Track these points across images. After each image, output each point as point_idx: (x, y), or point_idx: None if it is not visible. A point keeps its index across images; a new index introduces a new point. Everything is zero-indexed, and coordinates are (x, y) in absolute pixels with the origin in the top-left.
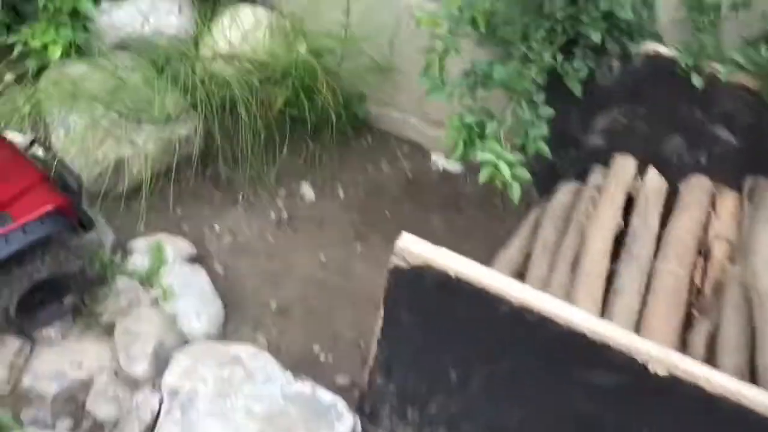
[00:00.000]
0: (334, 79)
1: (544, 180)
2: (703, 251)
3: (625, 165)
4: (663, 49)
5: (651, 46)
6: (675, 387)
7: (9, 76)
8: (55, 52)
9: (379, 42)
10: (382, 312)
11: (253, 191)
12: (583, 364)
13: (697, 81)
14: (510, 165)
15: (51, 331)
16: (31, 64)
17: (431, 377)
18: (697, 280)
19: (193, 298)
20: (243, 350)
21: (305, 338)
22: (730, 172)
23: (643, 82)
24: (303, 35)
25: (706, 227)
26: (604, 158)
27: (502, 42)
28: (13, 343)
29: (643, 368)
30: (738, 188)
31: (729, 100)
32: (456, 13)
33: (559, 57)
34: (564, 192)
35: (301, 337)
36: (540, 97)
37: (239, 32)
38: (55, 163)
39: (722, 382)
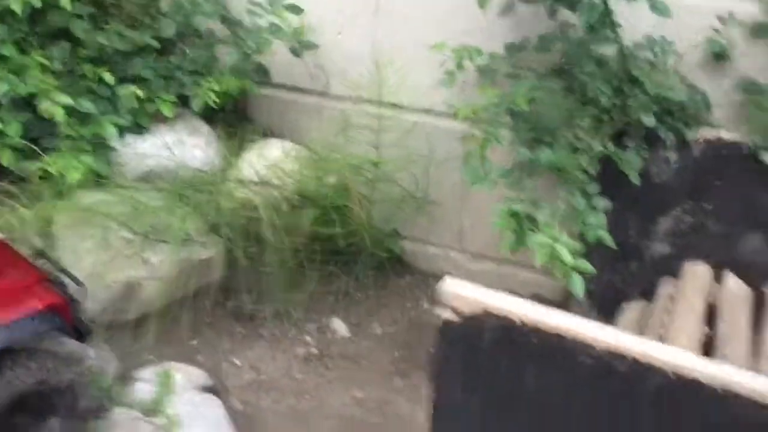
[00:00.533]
0: (366, 209)
1: (604, 302)
2: None
3: (697, 272)
4: (724, 133)
5: (709, 131)
6: None
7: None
8: (74, 176)
9: (412, 173)
10: (431, 391)
11: (279, 325)
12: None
13: (767, 157)
14: (569, 250)
15: None
16: (48, 191)
17: None
18: None
19: (204, 430)
20: None
21: None
22: None
23: (706, 173)
24: (332, 166)
25: None
26: (672, 270)
27: (546, 132)
28: None
29: None
30: None
31: None
32: (495, 101)
33: (610, 146)
34: (630, 311)
35: None
36: (593, 188)
37: (266, 164)
38: (56, 265)
39: None
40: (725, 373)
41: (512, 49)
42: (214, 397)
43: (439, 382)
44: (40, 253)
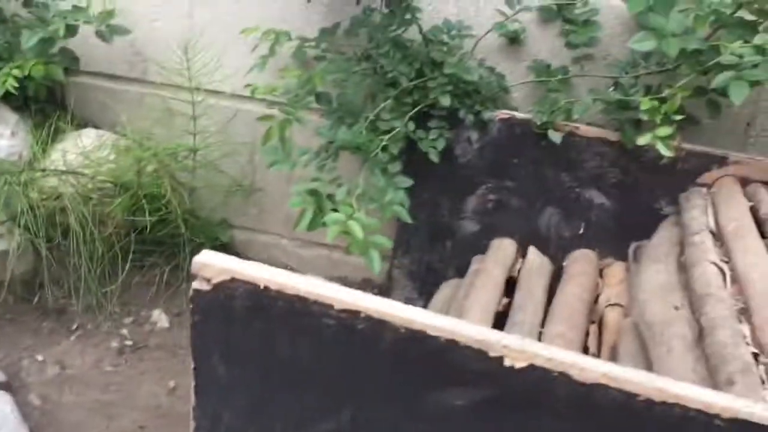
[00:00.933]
0: (182, 198)
1: (425, 282)
2: (597, 319)
3: (501, 247)
4: (517, 114)
5: (505, 112)
6: (540, 381)
7: None
8: None
9: (237, 160)
10: (192, 365)
11: (91, 319)
12: (434, 380)
13: (554, 136)
14: (363, 226)
15: None
16: None
17: None
18: (593, 347)
19: None
20: None
21: None
22: (612, 240)
23: (505, 152)
24: (152, 154)
25: (596, 297)
26: (482, 247)
27: (349, 113)
28: None
29: (499, 364)
30: (623, 256)
31: (593, 159)
32: (295, 82)
33: (411, 125)
34: (445, 288)
35: None
36: (395, 167)
37: (79, 153)
38: None
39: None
40: (447, 324)
41: (324, 33)
42: (5, 394)
43: (199, 354)
44: None
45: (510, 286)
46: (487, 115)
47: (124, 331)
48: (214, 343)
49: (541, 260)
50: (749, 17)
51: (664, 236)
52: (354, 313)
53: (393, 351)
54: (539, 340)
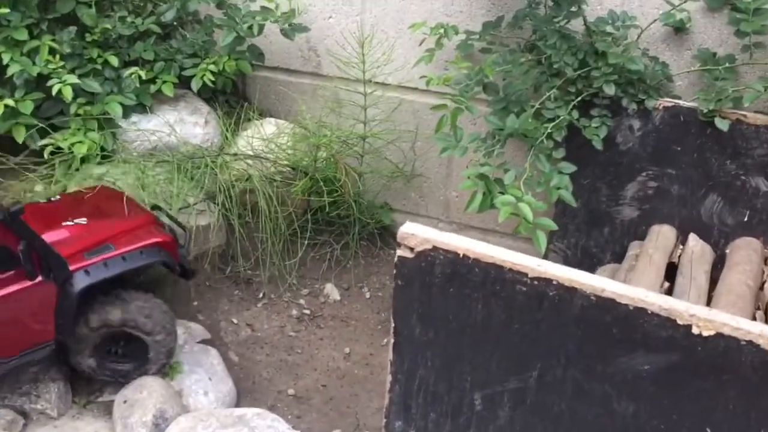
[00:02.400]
0: (355, 182)
1: (581, 267)
2: (764, 306)
3: (661, 233)
4: (681, 102)
5: (668, 100)
6: (727, 350)
7: (39, 187)
8: (81, 150)
9: (400, 148)
10: (392, 326)
11: (274, 289)
12: (621, 346)
13: (721, 124)
14: (532, 208)
15: (47, 407)
16: (59, 165)
17: (454, 411)
18: None
19: (202, 375)
20: (249, 411)
21: (325, 424)
22: None
23: (667, 140)
24: (326, 141)
25: (761, 284)
26: (640, 233)
27: (515, 102)
28: (6, 415)
29: (687, 331)
30: None
31: (761, 147)
32: (465, 72)
33: (575, 114)
34: (602, 272)
35: (321, 423)
36: (559, 153)
37: (262, 140)
38: (165, 212)
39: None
40: (636, 293)
41: (488, 26)
42: (213, 349)
43: (399, 315)
44: (153, 207)
45: (670, 271)
46: (650, 103)
47: (302, 302)
48: (414, 306)
49: (702, 247)
50: None
51: None
52: (546, 281)
53: (582, 317)
54: None
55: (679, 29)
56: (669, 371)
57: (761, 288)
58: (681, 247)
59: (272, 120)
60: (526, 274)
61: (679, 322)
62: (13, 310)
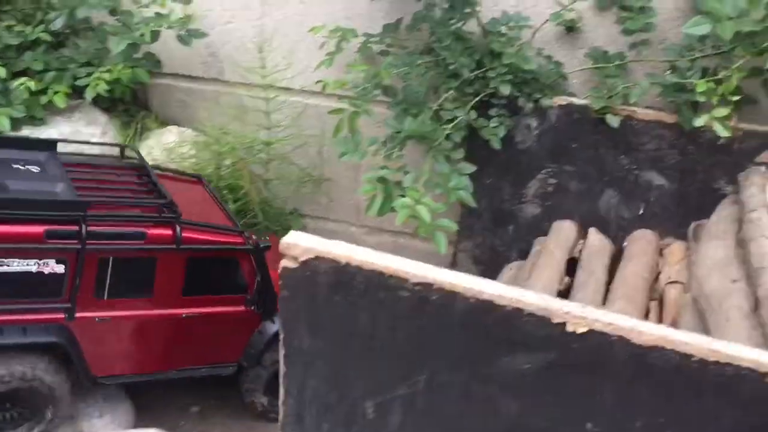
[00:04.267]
0: (259, 189)
1: (489, 265)
2: (658, 297)
3: (563, 228)
4: (575, 99)
5: (562, 98)
6: (601, 345)
7: None
8: None
9: (308, 152)
10: (282, 337)
11: None
12: (502, 346)
13: (612, 120)
14: (430, 210)
15: None
16: None
17: (347, 420)
18: (653, 322)
19: (96, 396)
20: None
21: None
22: (671, 220)
23: (564, 137)
24: (230, 148)
25: (656, 276)
26: (544, 229)
27: (414, 105)
28: None
29: (562, 329)
30: (683, 236)
31: (652, 142)
32: (362, 77)
33: (473, 114)
34: (508, 270)
35: None
36: (458, 154)
37: (163, 149)
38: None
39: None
40: (513, 294)
41: (388, 29)
42: None
43: (288, 326)
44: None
45: (572, 266)
46: (545, 102)
47: None
48: (301, 316)
49: (601, 241)
50: None
51: (722, 214)
52: (427, 286)
53: (464, 320)
54: None
55: (571, 29)
56: (548, 369)
57: (656, 279)
58: (582, 241)
59: (174, 128)
60: (407, 280)
61: (554, 320)
62: (221, 326)
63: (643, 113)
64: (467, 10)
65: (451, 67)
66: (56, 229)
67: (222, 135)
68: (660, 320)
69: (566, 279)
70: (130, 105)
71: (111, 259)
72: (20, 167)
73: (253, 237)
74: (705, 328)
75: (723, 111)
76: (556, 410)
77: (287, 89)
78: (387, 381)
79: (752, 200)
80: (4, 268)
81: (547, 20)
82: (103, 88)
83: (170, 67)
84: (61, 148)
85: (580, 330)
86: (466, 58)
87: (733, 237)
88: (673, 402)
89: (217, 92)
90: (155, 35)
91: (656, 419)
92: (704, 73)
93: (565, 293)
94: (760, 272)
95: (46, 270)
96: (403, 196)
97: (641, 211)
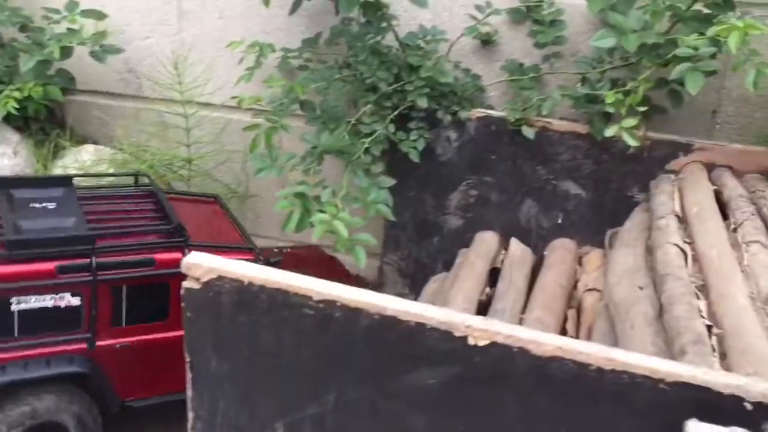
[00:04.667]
0: None
1: (415, 278)
2: (576, 304)
3: (484, 239)
4: (492, 112)
5: (480, 111)
6: (502, 357)
7: None
8: None
9: (232, 168)
10: (188, 361)
11: None
12: (407, 362)
13: (527, 132)
14: (347, 225)
15: None
16: None
17: None
18: (571, 330)
19: None
20: None
21: None
22: (589, 228)
23: (483, 149)
24: (148, 166)
25: (575, 283)
26: (466, 241)
27: (332, 119)
28: None
29: (464, 343)
30: (601, 243)
31: (567, 152)
32: (279, 92)
33: (392, 127)
34: (433, 282)
35: None
36: (378, 168)
37: (79, 168)
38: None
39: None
40: (416, 309)
41: (307, 43)
42: None
43: (193, 348)
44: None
45: (495, 276)
46: (463, 114)
47: None
48: (206, 337)
49: (522, 251)
50: (706, 11)
51: (634, 222)
52: (331, 303)
53: (368, 336)
54: (519, 325)
55: (487, 42)
56: (453, 383)
57: (575, 287)
58: (504, 251)
59: (91, 147)
60: (311, 298)
61: (456, 334)
62: None
63: (557, 124)
64: (384, 25)
65: (368, 81)
66: (67, 264)
67: (141, 152)
68: (578, 328)
69: (488, 290)
70: (45, 123)
71: (124, 287)
72: (37, 205)
73: (266, 253)
74: (614, 336)
75: (631, 121)
76: (463, 424)
77: (208, 105)
78: (295, 400)
79: (661, 207)
80: (22, 306)
81: (463, 34)
82: (12, 106)
83: (87, 83)
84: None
85: (482, 343)
86: (383, 71)
87: (644, 244)
88: (572, 411)
89: (136, 109)
90: (66, 52)
91: (557, 429)
92: (614, 84)
93: (486, 304)
94: (665, 278)
95: (63, 304)
96: (321, 211)
97: (560, 220)
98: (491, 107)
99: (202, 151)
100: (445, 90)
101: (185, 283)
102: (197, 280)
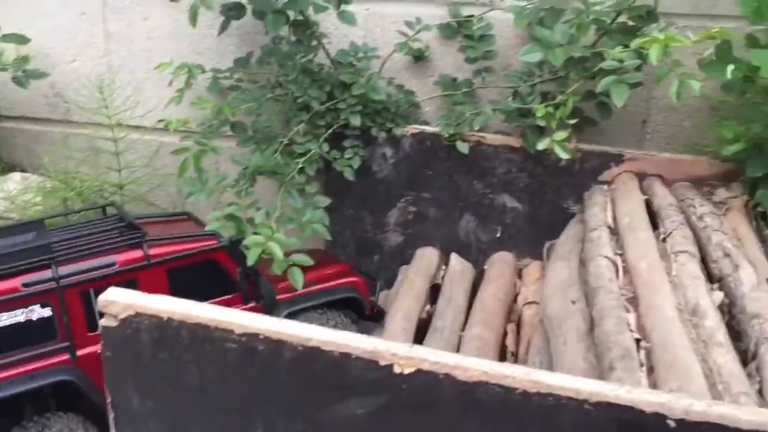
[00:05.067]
0: None
1: None
2: (516, 318)
3: (425, 255)
4: (427, 128)
5: (414, 127)
6: (428, 384)
7: None
8: None
9: (167, 191)
10: (109, 400)
11: None
12: (334, 393)
13: (462, 147)
14: (282, 246)
15: None
16: None
17: None
18: (511, 345)
19: None
20: None
21: None
22: (528, 241)
23: (419, 165)
24: (77, 193)
25: (515, 296)
26: (408, 257)
27: (265, 139)
28: None
29: (390, 371)
30: (540, 256)
31: (502, 166)
32: (209, 114)
33: (326, 146)
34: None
35: None
36: (313, 188)
37: (5, 198)
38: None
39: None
40: (340, 339)
41: (239, 63)
42: None
43: (114, 387)
44: None
45: (436, 293)
46: (398, 131)
47: None
48: (127, 376)
49: (462, 266)
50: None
51: (569, 234)
52: (253, 336)
53: (293, 368)
54: (459, 343)
55: (419, 57)
56: (381, 412)
57: (515, 300)
58: (444, 267)
59: (17, 175)
60: (232, 331)
61: (382, 362)
62: None
63: (491, 138)
64: (314, 43)
65: (300, 100)
66: (30, 278)
67: (70, 179)
68: (517, 342)
69: (428, 307)
70: None
71: (92, 291)
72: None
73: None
74: (549, 351)
75: (562, 134)
76: None
77: (139, 127)
78: None
79: (594, 219)
80: None
81: (394, 50)
82: None
83: (13, 109)
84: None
85: (408, 370)
86: (315, 90)
87: (578, 257)
88: None
89: (65, 134)
90: None
91: None
92: (544, 97)
93: (427, 322)
94: (596, 292)
95: (34, 316)
96: (256, 233)
97: (498, 234)
98: (426, 123)
99: (135, 175)
100: (378, 107)
101: (102, 321)
102: (115, 317)
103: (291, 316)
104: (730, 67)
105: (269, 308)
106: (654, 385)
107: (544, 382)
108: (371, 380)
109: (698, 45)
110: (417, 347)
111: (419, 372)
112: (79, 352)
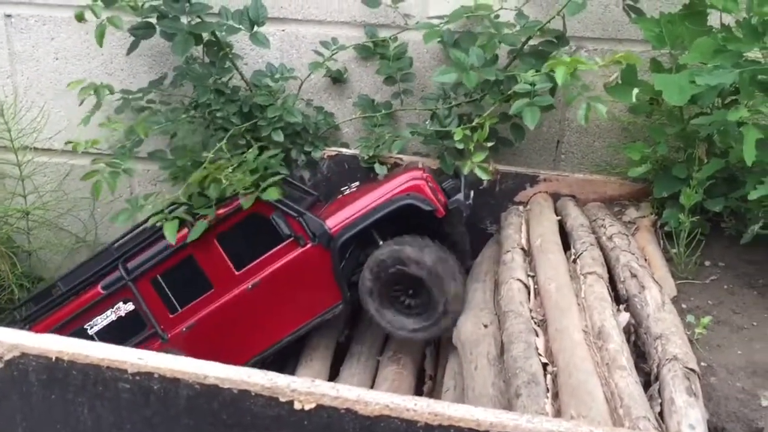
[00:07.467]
0: (27, 262)
1: None
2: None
3: None
4: (344, 150)
5: (332, 149)
6: (330, 420)
7: None
8: None
9: (80, 216)
10: None
11: None
12: (233, 430)
13: (379, 170)
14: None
15: None
16: None
17: None
18: (429, 369)
19: None
20: None
21: None
22: None
23: (337, 188)
24: None
25: None
26: None
27: (185, 160)
28: None
29: (290, 408)
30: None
31: None
32: (120, 135)
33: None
34: None
35: None
36: None
37: None
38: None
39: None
40: (238, 375)
41: (152, 84)
42: None
43: None
44: None
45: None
46: (316, 154)
47: None
48: (17, 419)
49: None
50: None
51: (486, 255)
52: (148, 375)
53: (191, 407)
54: (377, 368)
55: (337, 79)
56: None
57: None
58: None
59: None
60: (125, 371)
61: (282, 399)
62: (295, 279)
63: (409, 160)
64: (227, 65)
65: (218, 121)
66: (105, 281)
67: None
68: (436, 365)
69: (346, 332)
70: None
71: (159, 277)
72: None
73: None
74: (463, 377)
75: (480, 156)
76: None
77: (48, 150)
78: None
79: (508, 241)
80: (95, 329)
81: (310, 72)
82: None
83: None
84: None
85: (308, 406)
86: (234, 106)
87: (493, 279)
88: None
89: None
90: None
91: None
92: (461, 120)
93: (346, 347)
94: (507, 315)
95: (122, 313)
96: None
97: None
98: (346, 145)
99: (43, 199)
100: (298, 128)
101: None
102: (0, 359)
103: (361, 246)
104: (635, 91)
105: (326, 244)
106: (558, 411)
107: (445, 414)
108: (272, 417)
109: (608, 68)
110: (318, 382)
111: (320, 407)
112: (168, 334)
